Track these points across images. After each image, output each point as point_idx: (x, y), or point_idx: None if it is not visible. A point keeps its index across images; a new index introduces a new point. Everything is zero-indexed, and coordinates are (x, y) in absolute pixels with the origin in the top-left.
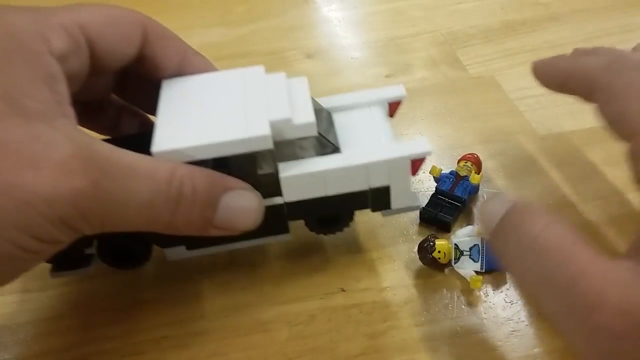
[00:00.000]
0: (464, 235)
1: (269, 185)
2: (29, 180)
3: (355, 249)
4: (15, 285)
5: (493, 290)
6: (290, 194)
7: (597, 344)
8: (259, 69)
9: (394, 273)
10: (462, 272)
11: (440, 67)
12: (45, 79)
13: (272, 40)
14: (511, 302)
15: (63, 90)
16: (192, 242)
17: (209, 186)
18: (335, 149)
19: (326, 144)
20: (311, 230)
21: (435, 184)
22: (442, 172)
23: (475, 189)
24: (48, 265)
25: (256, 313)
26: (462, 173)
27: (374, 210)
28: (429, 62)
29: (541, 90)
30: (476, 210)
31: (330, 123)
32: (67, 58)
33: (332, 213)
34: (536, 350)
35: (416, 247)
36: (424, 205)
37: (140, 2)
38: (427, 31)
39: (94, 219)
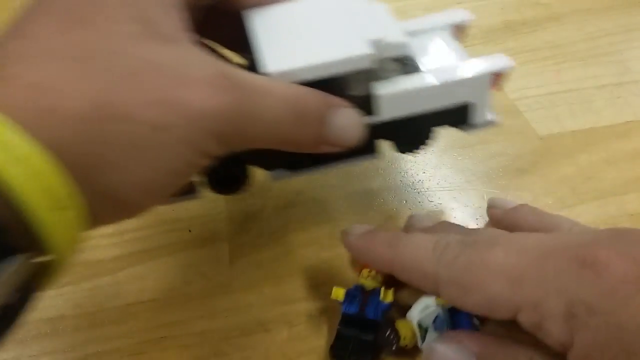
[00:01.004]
0: (420, 310)
1: (363, 105)
2: (186, 96)
3: None
4: None
5: None
6: (384, 112)
7: None
8: None
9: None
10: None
11: None
12: (171, 5)
13: None
14: None
15: (187, 18)
16: (294, 163)
17: (320, 104)
18: (417, 69)
19: (409, 65)
20: (398, 150)
21: (342, 309)
22: (347, 289)
23: (388, 306)
24: None
25: (256, 313)
26: (369, 286)
27: (455, 126)
28: None
29: (541, 90)
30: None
31: None
32: None
33: (419, 130)
34: None
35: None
36: (336, 337)
37: None
38: None
39: (239, 134)
